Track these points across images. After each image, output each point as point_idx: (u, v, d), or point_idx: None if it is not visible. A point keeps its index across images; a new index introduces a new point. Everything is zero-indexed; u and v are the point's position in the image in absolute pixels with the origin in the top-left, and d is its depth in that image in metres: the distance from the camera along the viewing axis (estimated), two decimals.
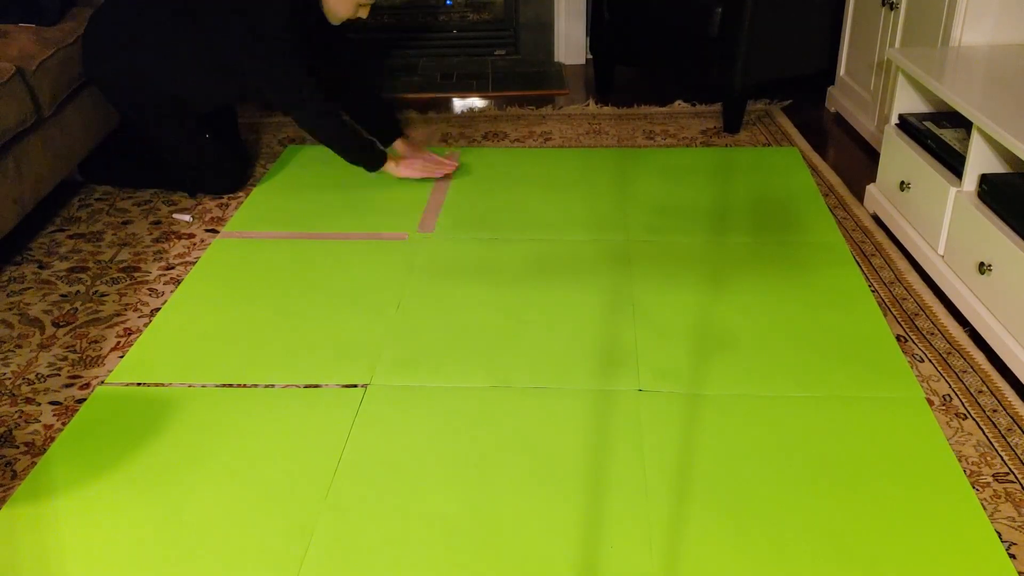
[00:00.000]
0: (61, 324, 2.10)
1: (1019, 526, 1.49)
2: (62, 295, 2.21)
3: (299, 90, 2.51)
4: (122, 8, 2.61)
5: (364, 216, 2.58)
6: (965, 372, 1.88)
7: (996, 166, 2.04)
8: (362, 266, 2.32)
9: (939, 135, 2.24)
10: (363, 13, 2.58)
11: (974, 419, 1.74)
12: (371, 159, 2.67)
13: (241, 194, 2.73)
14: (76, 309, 2.15)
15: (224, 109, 2.89)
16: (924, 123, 2.32)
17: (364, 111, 2.83)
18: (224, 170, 2.73)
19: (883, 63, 2.88)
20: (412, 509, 1.55)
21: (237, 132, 3.00)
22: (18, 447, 1.71)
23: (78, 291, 2.23)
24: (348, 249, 2.40)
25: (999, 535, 1.47)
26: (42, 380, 1.90)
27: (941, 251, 2.16)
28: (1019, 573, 1.40)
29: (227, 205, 2.67)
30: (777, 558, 1.44)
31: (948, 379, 1.86)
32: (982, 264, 1.95)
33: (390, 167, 2.68)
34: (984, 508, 1.53)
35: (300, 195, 2.72)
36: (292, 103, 2.55)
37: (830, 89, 3.39)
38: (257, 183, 2.81)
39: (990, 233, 1.92)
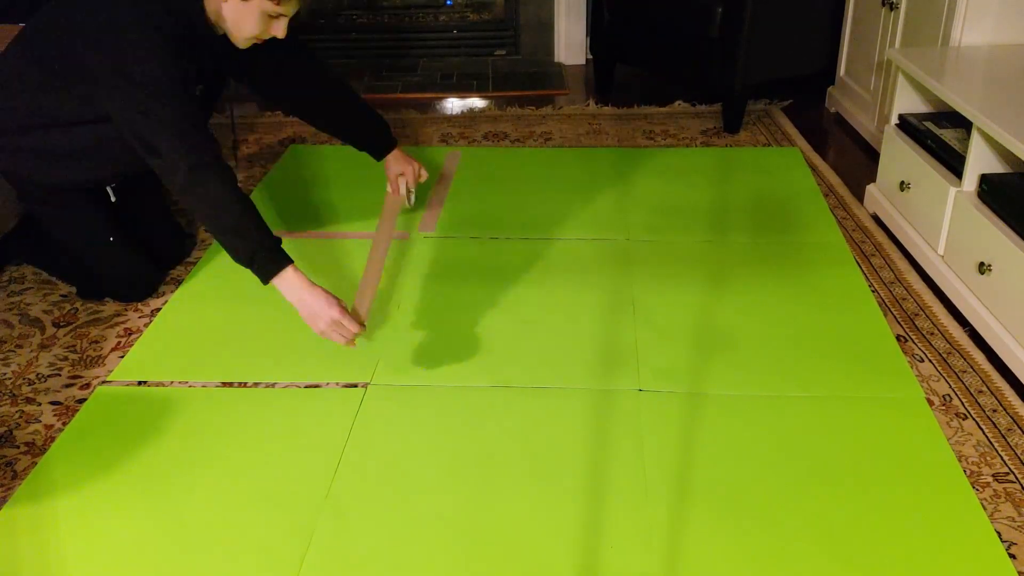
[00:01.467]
0: (61, 324, 2.10)
1: (1019, 526, 1.49)
2: (62, 295, 2.21)
3: (166, 148, 1.78)
4: None
5: (365, 215, 2.57)
6: (965, 372, 1.88)
7: (996, 166, 2.04)
8: (363, 265, 2.31)
9: (939, 135, 2.24)
10: (278, 30, 1.88)
11: (974, 419, 1.74)
12: (265, 264, 1.81)
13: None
14: (76, 309, 2.15)
15: (134, 189, 2.24)
16: (924, 123, 2.32)
17: (345, 120, 2.36)
18: (124, 279, 2.17)
19: (883, 63, 2.88)
20: (412, 509, 1.55)
21: (160, 213, 2.37)
22: (18, 447, 1.71)
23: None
24: (349, 248, 2.40)
25: (999, 535, 1.47)
26: (42, 380, 1.90)
27: (941, 251, 2.16)
28: (1019, 573, 1.40)
29: None
30: (777, 558, 1.44)
31: (948, 379, 1.86)
32: (982, 264, 1.95)
33: (286, 281, 1.82)
34: (984, 508, 1.53)
35: (300, 195, 2.72)
36: (159, 165, 1.81)
37: (830, 89, 3.39)
38: (258, 183, 2.81)
39: (990, 233, 1.92)
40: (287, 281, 1.81)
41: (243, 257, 1.81)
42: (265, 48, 1.98)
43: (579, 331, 2.03)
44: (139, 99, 1.77)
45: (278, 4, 1.83)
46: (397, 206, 2.41)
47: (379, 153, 2.39)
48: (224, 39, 1.94)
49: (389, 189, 2.45)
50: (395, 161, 2.40)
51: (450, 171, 2.88)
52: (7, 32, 2.59)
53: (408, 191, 2.44)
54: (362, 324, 1.86)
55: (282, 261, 1.81)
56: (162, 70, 1.77)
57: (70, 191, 2.08)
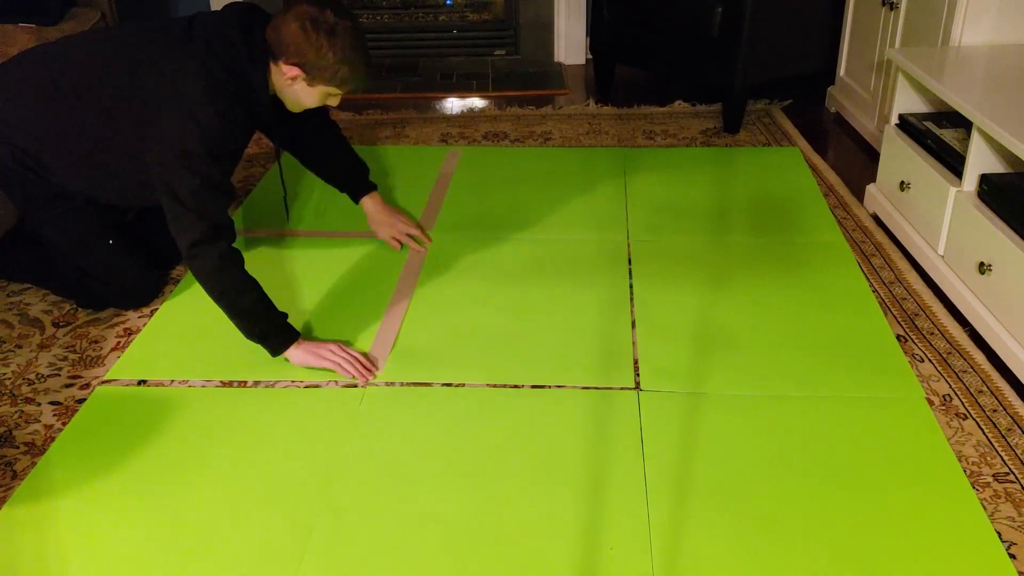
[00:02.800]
0: (61, 324, 2.10)
1: (1019, 526, 1.49)
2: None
3: (200, 232, 1.82)
4: (25, 78, 1.97)
5: (363, 215, 2.57)
6: (965, 372, 1.88)
7: (996, 166, 2.04)
8: (362, 265, 2.31)
9: (939, 135, 2.24)
10: (333, 102, 1.99)
11: (974, 419, 1.74)
12: (274, 340, 1.90)
13: (241, 194, 2.73)
14: (76, 309, 2.15)
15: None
16: (924, 123, 2.32)
17: (330, 162, 2.37)
18: (127, 285, 2.14)
19: (883, 63, 2.88)
20: (411, 509, 1.55)
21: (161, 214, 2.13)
22: (18, 447, 1.71)
23: None
24: (348, 248, 2.40)
25: (999, 535, 1.47)
26: (42, 380, 1.90)
27: (941, 251, 2.16)
28: (1019, 573, 1.40)
29: None
30: (777, 558, 1.44)
31: (948, 379, 1.86)
32: (982, 264, 1.95)
33: (291, 353, 1.90)
34: (984, 508, 1.53)
35: (300, 194, 2.72)
36: (186, 243, 1.84)
37: (830, 89, 3.39)
38: (258, 183, 2.81)
39: (990, 233, 1.92)
40: (293, 355, 1.90)
41: (255, 336, 1.90)
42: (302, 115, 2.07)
43: (579, 330, 2.03)
44: (194, 188, 1.81)
45: (340, 87, 1.91)
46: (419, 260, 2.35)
47: (356, 193, 2.39)
48: (275, 104, 1.98)
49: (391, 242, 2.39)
50: (378, 211, 2.38)
51: (450, 171, 2.88)
52: (31, 33, 2.59)
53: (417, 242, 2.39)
54: (373, 365, 1.92)
55: (290, 338, 1.91)
56: (225, 169, 1.88)
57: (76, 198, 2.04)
